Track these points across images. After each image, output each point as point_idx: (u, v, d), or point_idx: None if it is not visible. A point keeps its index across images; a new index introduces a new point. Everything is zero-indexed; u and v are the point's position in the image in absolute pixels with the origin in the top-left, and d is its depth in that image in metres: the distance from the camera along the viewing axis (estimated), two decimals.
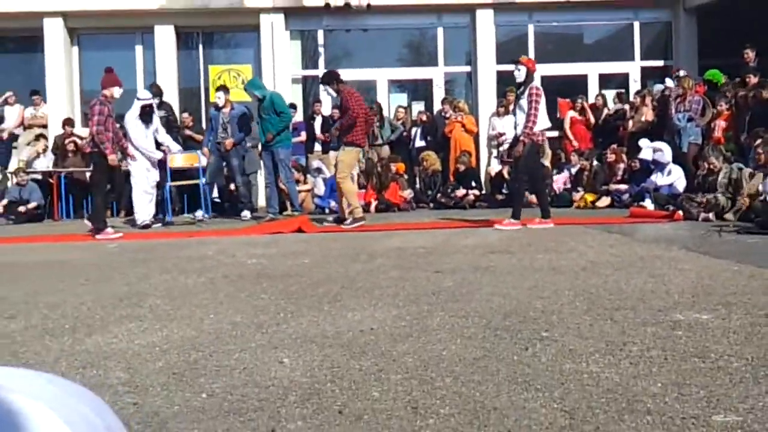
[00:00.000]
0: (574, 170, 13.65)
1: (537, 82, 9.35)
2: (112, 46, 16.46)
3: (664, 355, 3.11)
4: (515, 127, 9.43)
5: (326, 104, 15.15)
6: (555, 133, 15.32)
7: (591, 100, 15.35)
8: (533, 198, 10.86)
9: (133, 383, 2.88)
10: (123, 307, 4.40)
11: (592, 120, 14.73)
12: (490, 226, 9.36)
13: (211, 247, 7.76)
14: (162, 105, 13.06)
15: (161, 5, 15.64)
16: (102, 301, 4.62)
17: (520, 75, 9.22)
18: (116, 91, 10.09)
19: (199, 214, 11.95)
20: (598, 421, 2.39)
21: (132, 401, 2.68)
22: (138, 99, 11.08)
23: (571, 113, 15.03)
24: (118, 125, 10.47)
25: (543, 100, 9.12)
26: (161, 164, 11.42)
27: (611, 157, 12.94)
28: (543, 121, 9.16)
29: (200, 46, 16.59)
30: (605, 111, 14.91)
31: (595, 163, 13.39)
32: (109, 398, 2.69)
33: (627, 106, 14.35)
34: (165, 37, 16.03)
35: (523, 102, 9.04)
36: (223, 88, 12.59)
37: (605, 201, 12.43)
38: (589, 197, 12.68)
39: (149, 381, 2.90)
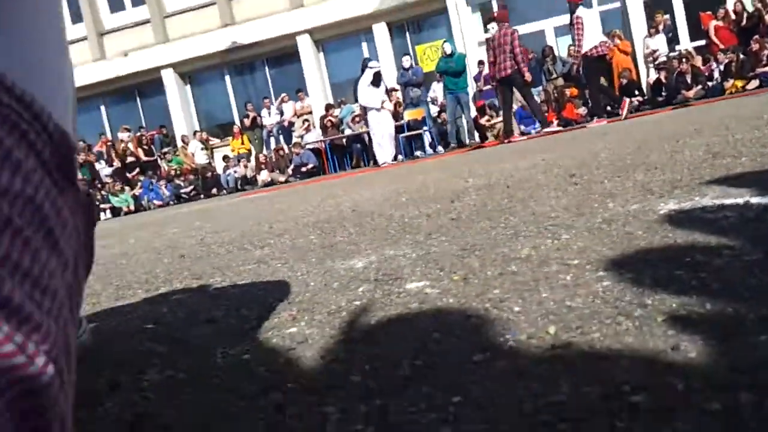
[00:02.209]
0: (722, 66, 12.41)
1: (580, 10, 8.92)
2: (345, 47, 17.18)
3: None
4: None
5: None
6: (702, 42, 14.06)
7: (731, 6, 13.74)
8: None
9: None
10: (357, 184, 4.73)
11: (733, 30, 13.24)
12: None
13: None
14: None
15: (375, 8, 16.04)
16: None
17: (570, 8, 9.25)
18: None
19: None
20: None
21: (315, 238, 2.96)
22: (369, 68, 11.48)
23: (714, 22, 13.61)
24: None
25: (586, 23, 8.83)
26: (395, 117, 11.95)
27: (755, 46, 11.61)
28: (590, 40, 8.78)
29: (407, 33, 16.86)
30: (745, 14, 13.33)
31: (741, 56, 12.06)
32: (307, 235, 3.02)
33: (760, 5, 12.76)
34: (381, 32, 16.46)
35: (573, 30, 8.91)
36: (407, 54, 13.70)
37: (754, 84, 11.21)
38: (739, 83, 11.50)
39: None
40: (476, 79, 15.11)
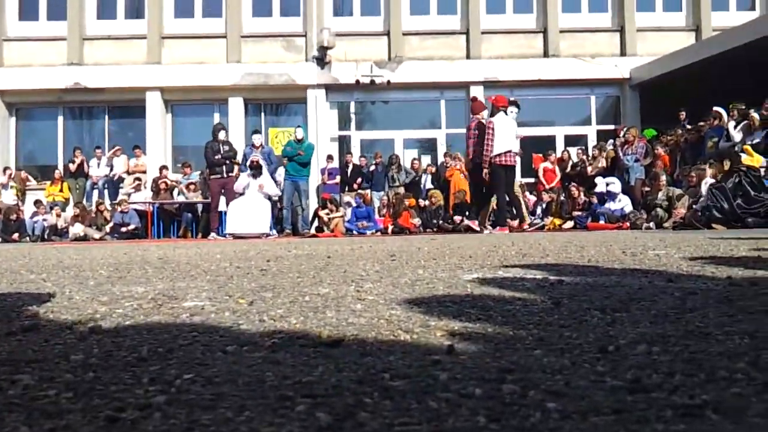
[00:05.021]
0: (544, 205, 13.63)
1: (497, 116, 9.21)
2: (196, 113, 16.80)
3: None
4: None
5: (355, 156, 15.45)
6: (532, 180, 15.44)
7: (558, 154, 15.33)
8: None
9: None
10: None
11: (558, 173, 14.66)
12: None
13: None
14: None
15: (234, 83, 16.00)
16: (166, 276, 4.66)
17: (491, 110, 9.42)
18: (485, 113, 9.74)
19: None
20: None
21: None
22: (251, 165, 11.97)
23: (543, 164, 15.05)
24: None
25: (498, 129, 8.98)
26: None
27: (574, 192, 12.87)
28: (498, 147, 8.93)
29: (262, 114, 16.92)
30: (570, 162, 14.91)
31: (561, 197, 13.33)
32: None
33: (584, 157, 14.41)
34: (236, 106, 16.37)
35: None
36: (258, 132, 13.38)
37: (569, 224, 12.33)
38: (557, 221, 12.60)
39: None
40: (322, 171, 15.37)
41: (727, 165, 8.23)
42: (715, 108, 11.23)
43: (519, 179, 15.77)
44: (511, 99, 10.69)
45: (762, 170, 8.18)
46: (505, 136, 9.04)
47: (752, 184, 7.71)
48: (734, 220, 7.58)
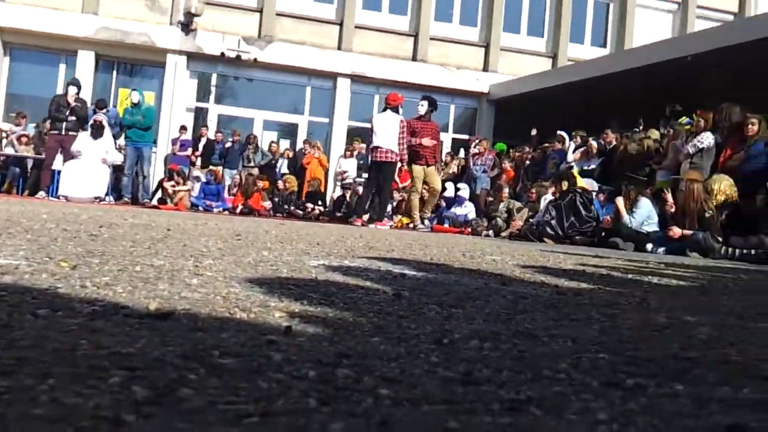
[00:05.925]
0: (395, 203, 13.94)
1: (383, 113, 9.62)
2: (39, 62, 15.40)
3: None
4: None
5: (211, 130, 14.94)
6: None
7: None
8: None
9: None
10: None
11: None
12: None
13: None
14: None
15: (87, 35, 14.84)
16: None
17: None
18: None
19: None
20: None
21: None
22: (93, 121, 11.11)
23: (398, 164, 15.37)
24: None
25: (375, 127, 9.37)
26: None
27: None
28: (375, 143, 9.35)
29: (114, 72, 15.84)
30: None
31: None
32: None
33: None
34: (86, 61, 15.19)
35: None
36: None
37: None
38: (405, 220, 12.92)
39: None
40: (173, 142, 14.65)
41: (565, 185, 8.86)
42: (560, 132, 12.08)
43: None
44: (426, 95, 10.96)
45: (593, 194, 8.92)
46: (383, 133, 9.27)
47: (584, 205, 8.38)
48: (564, 236, 8.19)
